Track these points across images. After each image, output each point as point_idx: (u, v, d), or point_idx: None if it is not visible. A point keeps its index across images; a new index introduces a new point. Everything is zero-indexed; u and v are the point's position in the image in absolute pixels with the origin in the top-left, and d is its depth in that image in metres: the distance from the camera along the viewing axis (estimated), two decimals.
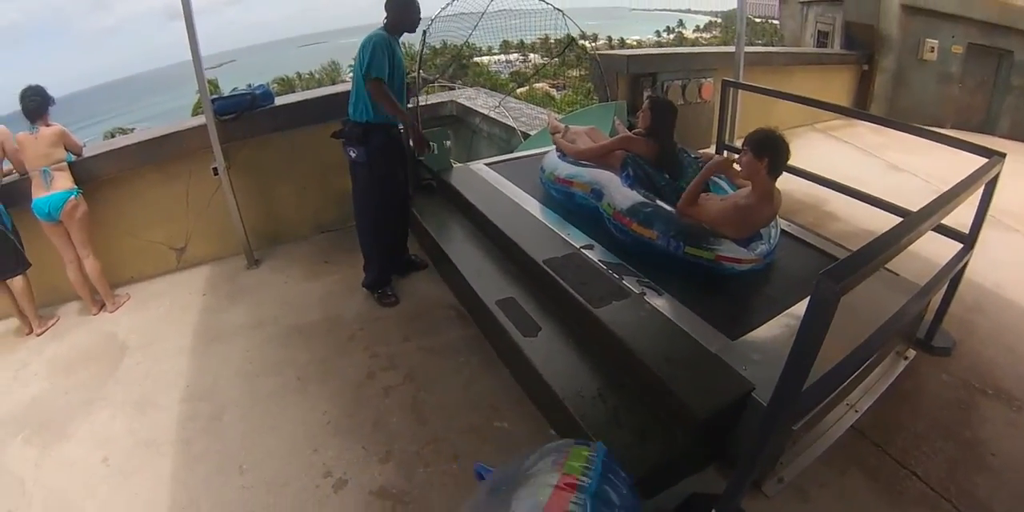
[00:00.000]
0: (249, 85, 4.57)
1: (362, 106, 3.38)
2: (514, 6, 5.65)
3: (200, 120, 4.21)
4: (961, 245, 2.76)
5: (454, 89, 8.14)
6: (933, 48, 7.38)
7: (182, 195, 4.38)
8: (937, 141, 3.08)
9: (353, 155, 3.49)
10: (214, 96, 4.25)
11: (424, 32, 4.54)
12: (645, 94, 5.66)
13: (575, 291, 2.90)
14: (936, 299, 2.88)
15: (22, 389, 3.33)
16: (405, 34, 3.51)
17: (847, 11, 8.11)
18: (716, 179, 3.48)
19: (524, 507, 1.54)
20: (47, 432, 2.97)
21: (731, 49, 5.60)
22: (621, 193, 3.38)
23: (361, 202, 3.66)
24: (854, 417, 2.58)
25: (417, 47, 5.01)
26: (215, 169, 4.14)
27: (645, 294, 2.86)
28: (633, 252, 3.22)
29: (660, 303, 2.79)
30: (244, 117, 4.31)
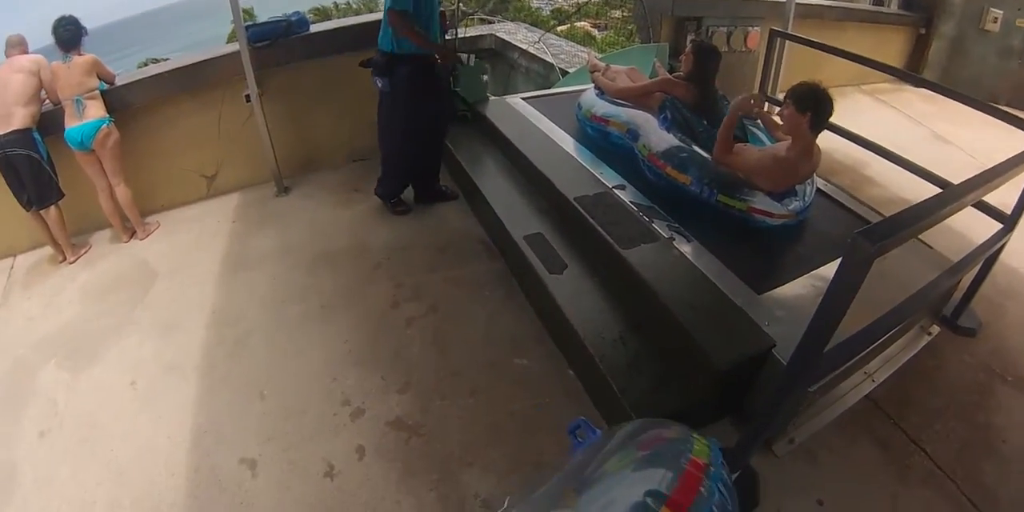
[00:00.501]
0: (284, 14, 4.43)
1: (388, 36, 3.31)
2: None
3: (234, 47, 4.12)
4: (1001, 225, 2.66)
5: (493, 23, 7.92)
6: (996, 19, 6.86)
7: (214, 123, 4.35)
8: (993, 115, 2.91)
9: (379, 85, 3.45)
10: (248, 23, 4.15)
11: None
12: (688, 38, 5.44)
13: (604, 231, 2.87)
14: (967, 278, 2.78)
15: (56, 315, 3.41)
16: None
17: None
18: (755, 131, 3.39)
19: (657, 468, 1.53)
20: (79, 356, 3.06)
21: None
22: (657, 135, 3.32)
23: (384, 131, 3.66)
24: (870, 386, 2.56)
25: None
26: (247, 96, 4.08)
27: (674, 239, 2.82)
28: (665, 196, 3.17)
29: (688, 250, 2.76)
30: (279, 44, 4.21)
